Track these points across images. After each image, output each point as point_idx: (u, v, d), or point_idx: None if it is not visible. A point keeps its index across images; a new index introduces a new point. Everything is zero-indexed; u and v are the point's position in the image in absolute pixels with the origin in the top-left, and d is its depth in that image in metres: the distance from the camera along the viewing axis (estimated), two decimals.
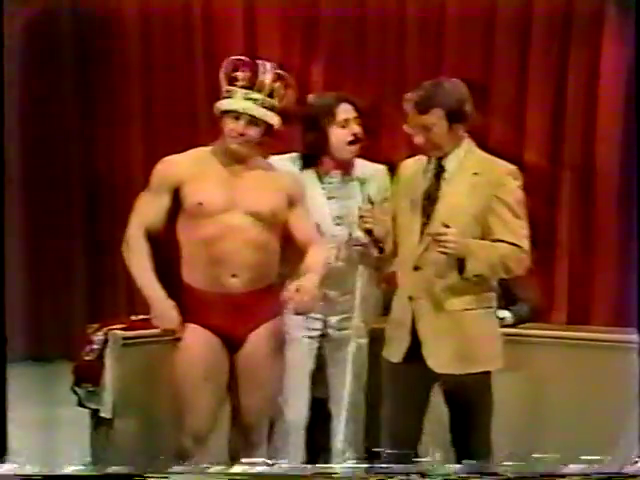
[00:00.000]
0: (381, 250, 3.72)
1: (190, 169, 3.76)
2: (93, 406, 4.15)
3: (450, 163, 3.59)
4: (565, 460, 3.30)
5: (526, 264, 3.57)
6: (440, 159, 3.60)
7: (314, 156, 4.12)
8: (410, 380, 3.60)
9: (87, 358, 4.16)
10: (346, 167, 4.12)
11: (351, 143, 4.08)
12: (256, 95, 3.72)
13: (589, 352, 4.27)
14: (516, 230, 3.53)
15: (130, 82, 6.68)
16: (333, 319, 4.12)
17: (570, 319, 5.86)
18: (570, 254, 6.01)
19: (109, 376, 4.10)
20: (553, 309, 5.88)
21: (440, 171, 3.60)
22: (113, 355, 4.12)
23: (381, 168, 4.11)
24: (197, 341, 3.70)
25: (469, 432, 3.59)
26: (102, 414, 4.11)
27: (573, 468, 3.27)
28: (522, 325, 4.51)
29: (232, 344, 3.74)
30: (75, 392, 4.22)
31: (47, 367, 6.20)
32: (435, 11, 6.19)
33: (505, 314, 4.47)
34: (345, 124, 4.08)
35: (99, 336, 4.16)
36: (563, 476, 3.27)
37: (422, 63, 6.16)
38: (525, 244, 3.53)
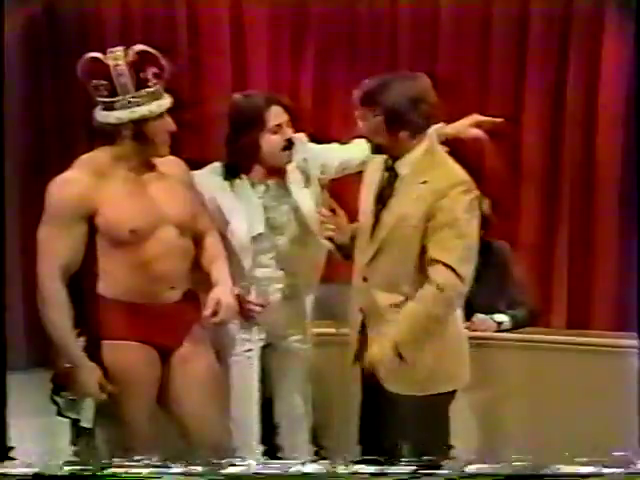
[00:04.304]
0: (347, 257, 3.60)
1: (100, 188, 3.43)
2: (73, 416, 3.99)
3: (403, 168, 3.42)
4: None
5: (460, 289, 3.34)
6: (395, 160, 3.44)
7: (242, 164, 3.87)
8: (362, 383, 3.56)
9: (67, 365, 4.01)
10: (279, 173, 3.91)
11: (285, 149, 3.85)
12: (161, 85, 3.47)
13: (589, 357, 4.22)
14: (452, 249, 3.30)
15: None
16: (276, 328, 3.99)
17: (570, 323, 5.77)
18: (570, 257, 5.90)
19: None
20: (552, 313, 5.79)
21: (394, 175, 3.45)
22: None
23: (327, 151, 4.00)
24: (139, 360, 3.54)
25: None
26: (82, 424, 3.92)
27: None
28: (521, 330, 4.44)
29: (164, 354, 3.60)
30: (54, 401, 4.08)
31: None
32: (429, 8, 6.08)
33: (503, 318, 4.45)
34: (277, 130, 3.82)
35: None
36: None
37: (415, 61, 6.00)
38: (460, 267, 3.30)
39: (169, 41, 6.39)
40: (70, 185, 3.43)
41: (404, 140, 3.41)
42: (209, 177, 3.87)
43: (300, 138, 3.94)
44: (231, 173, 3.88)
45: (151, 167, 3.55)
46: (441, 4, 6.03)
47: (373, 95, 3.39)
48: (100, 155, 3.51)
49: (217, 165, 3.92)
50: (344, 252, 3.64)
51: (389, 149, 3.45)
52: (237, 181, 3.89)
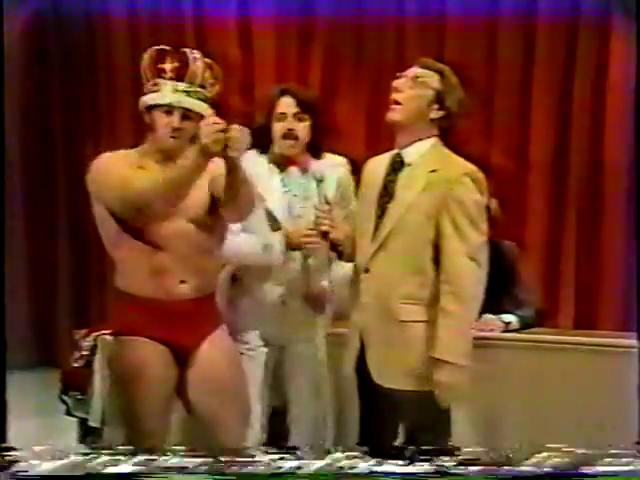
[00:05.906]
0: (340, 255, 3.58)
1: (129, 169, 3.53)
2: (82, 415, 4.00)
3: (409, 156, 3.42)
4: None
5: (479, 275, 3.37)
6: (402, 148, 3.44)
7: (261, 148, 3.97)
8: (363, 389, 3.50)
9: (75, 365, 4.01)
10: (300, 163, 3.99)
11: (285, 137, 3.93)
12: (188, 87, 3.52)
13: (593, 356, 4.22)
14: (469, 237, 3.31)
15: (117, 87, 6.60)
16: (287, 328, 4.01)
17: (577, 323, 5.77)
18: (577, 257, 5.91)
19: (98, 383, 3.92)
20: (560, 313, 5.78)
21: (399, 164, 3.44)
22: (102, 362, 3.92)
23: (342, 163, 4.04)
24: (148, 357, 3.55)
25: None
26: (91, 423, 3.94)
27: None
28: (528, 330, 4.45)
29: (180, 355, 3.59)
30: (63, 400, 4.10)
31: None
32: (436, 13, 6.10)
33: (511, 318, 4.46)
34: (281, 118, 3.94)
35: (87, 342, 3.99)
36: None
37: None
38: (478, 255, 3.31)
39: (175, 39, 6.43)
40: (104, 161, 3.57)
41: (426, 121, 3.42)
42: (253, 158, 3.92)
43: (340, 166, 4.05)
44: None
45: (175, 159, 3.55)
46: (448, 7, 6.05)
47: (438, 65, 3.48)
48: (130, 150, 3.65)
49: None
50: (338, 251, 3.62)
51: (410, 124, 3.43)
52: (271, 165, 4.00)
